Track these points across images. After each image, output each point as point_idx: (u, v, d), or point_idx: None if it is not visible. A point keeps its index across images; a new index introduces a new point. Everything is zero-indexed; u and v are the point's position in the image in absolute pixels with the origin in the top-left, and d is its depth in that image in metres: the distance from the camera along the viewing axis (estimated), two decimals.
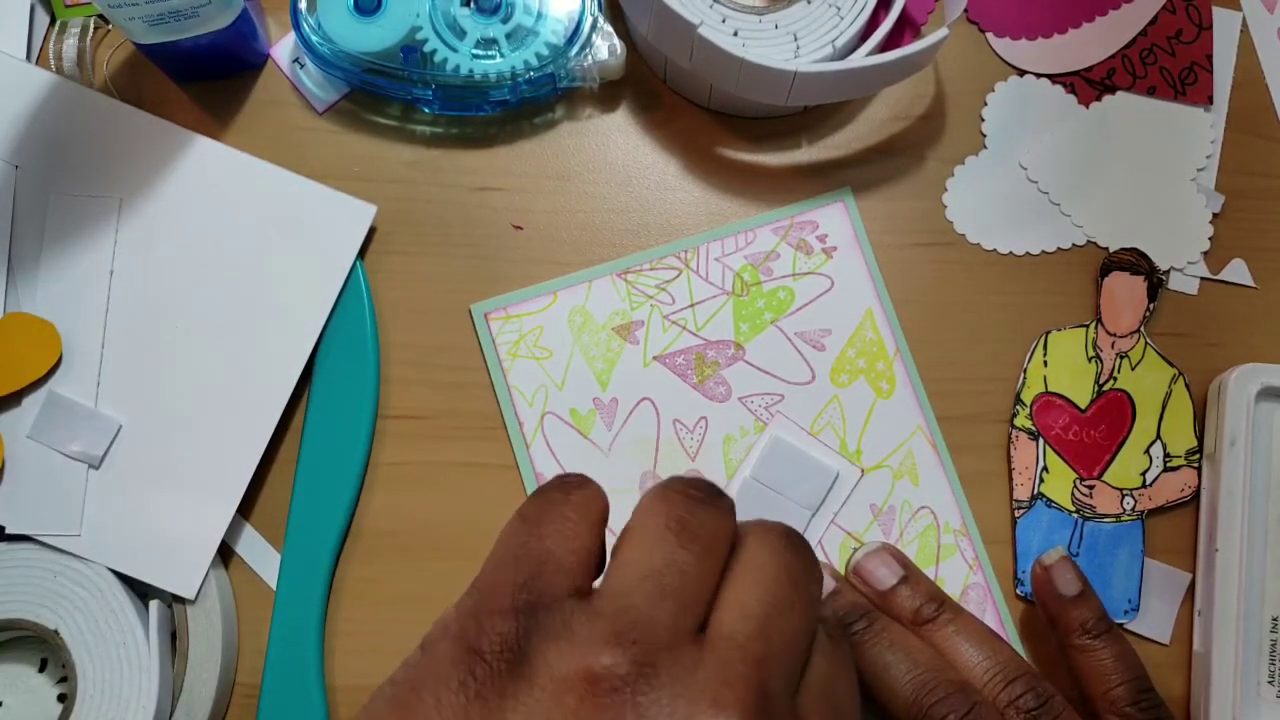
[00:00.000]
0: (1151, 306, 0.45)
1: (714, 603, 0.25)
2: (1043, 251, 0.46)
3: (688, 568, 0.24)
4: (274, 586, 0.41)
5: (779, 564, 0.25)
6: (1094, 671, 0.38)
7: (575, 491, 0.27)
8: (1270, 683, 0.41)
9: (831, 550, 0.42)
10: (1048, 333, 0.45)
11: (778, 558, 0.26)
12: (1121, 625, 0.43)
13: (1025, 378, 0.44)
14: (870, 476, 0.43)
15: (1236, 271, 0.46)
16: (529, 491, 0.42)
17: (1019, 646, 0.42)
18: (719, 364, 0.44)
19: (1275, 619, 0.42)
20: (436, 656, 0.23)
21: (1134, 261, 0.45)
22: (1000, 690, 0.36)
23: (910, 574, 0.40)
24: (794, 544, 0.27)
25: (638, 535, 0.25)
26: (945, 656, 0.37)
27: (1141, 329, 0.45)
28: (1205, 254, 0.46)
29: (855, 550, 0.41)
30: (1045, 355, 0.45)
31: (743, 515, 0.42)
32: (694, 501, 0.26)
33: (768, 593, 0.25)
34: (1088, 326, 0.45)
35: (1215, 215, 0.47)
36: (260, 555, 0.42)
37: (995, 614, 0.42)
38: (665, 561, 0.24)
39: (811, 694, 0.25)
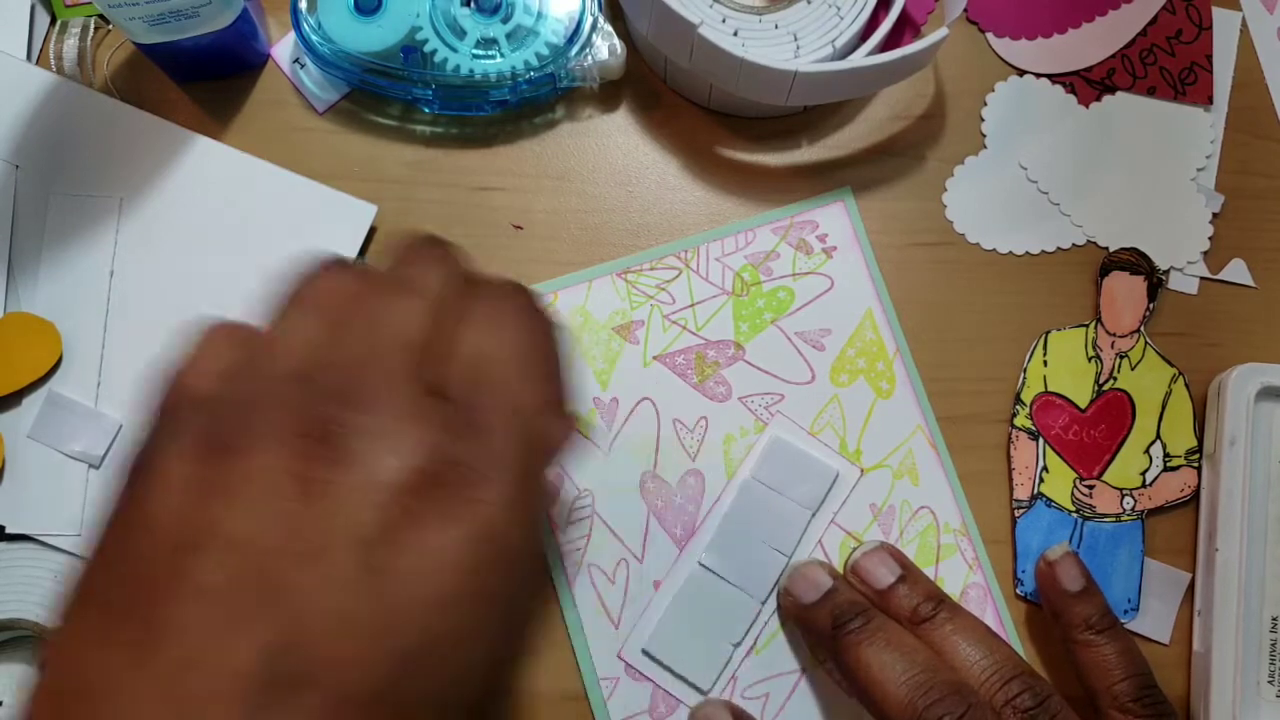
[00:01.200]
0: (1151, 306, 0.45)
1: None
2: (1042, 251, 0.46)
3: (295, 326, 0.25)
4: None
5: (381, 277, 0.26)
6: (1098, 667, 0.38)
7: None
8: (1270, 682, 0.41)
9: (831, 550, 0.42)
10: (1047, 333, 0.45)
11: (382, 274, 0.26)
12: (1121, 624, 0.43)
13: (1025, 377, 0.44)
14: (870, 476, 0.43)
15: (1236, 271, 0.46)
16: None
17: (1019, 646, 0.42)
18: (719, 364, 0.44)
19: (1275, 619, 0.42)
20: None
21: (1134, 261, 0.45)
22: (997, 690, 0.36)
23: (909, 573, 0.40)
24: (398, 250, 0.27)
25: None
26: (942, 656, 0.37)
27: (1141, 329, 0.45)
28: (1205, 254, 0.46)
29: (854, 549, 0.42)
30: (1045, 355, 0.45)
31: (742, 515, 0.42)
32: (305, 275, 0.27)
33: (370, 304, 0.25)
34: (1087, 326, 0.45)
35: (1215, 215, 0.47)
36: None
37: (995, 614, 0.43)
38: (271, 331, 0.25)
39: (452, 362, 0.24)
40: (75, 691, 0.20)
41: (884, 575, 0.40)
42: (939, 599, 0.39)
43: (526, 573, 0.23)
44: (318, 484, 0.21)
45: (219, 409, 0.22)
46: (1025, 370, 0.45)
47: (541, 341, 0.26)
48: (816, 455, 0.43)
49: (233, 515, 0.21)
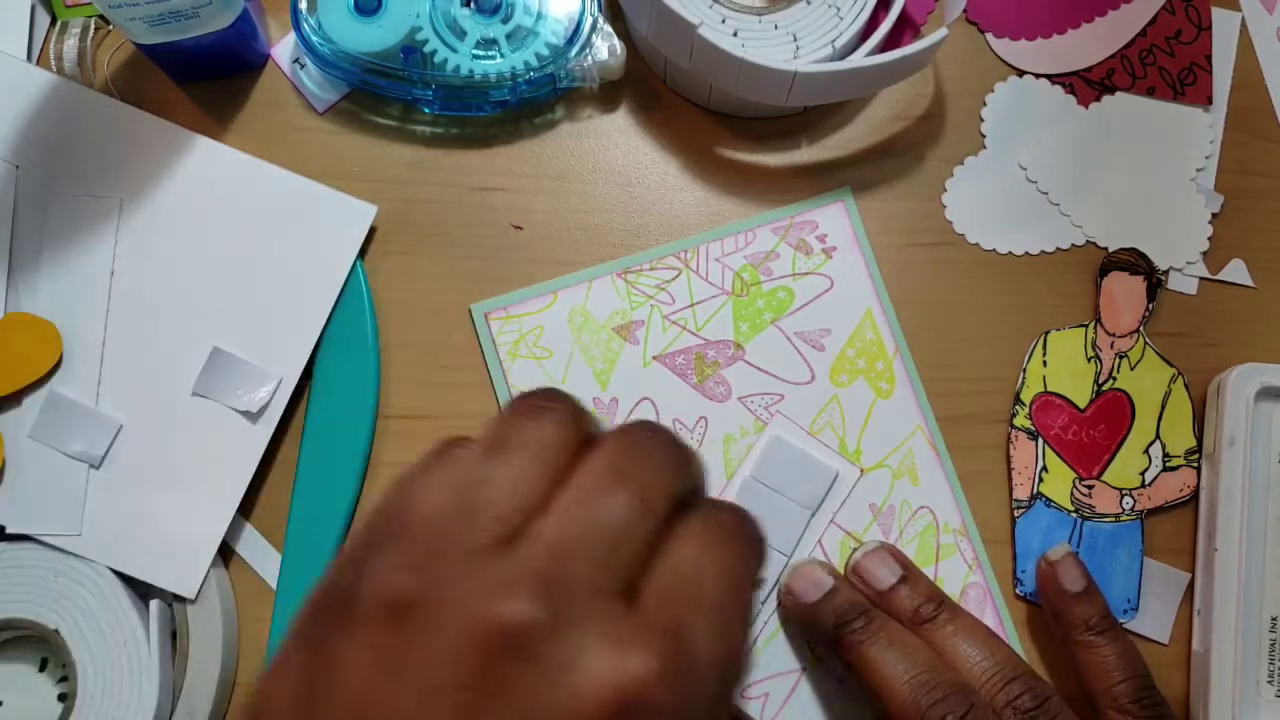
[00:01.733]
0: (1151, 306, 0.45)
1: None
2: (1042, 251, 0.46)
3: (497, 479, 0.23)
4: (274, 586, 0.41)
5: (603, 456, 0.24)
6: (1097, 668, 0.38)
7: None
8: (1269, 682, 0.41)
9: (831, 550, 0.43)
10: (1047, 333, 0.45)
11: (605, 453, 0.24)
12: (1121, 625, 0.43)
13: (1024, 377, 0.45)
14: (870, 476, 0.43)
15: (1236, 271, 0.46)
16: None
17: (1018, 646, 0.42)
18: (719, 364, 0.44)
19: (1275, 618, 0.42)
20: (301, 618, 0.23)
21: (1133, 261, 0.45)
22: (998, 690, 0.36)
23: (909, 574, 0.40)
24: (631, 433, 0.25)
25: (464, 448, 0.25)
26: (943, 656, 0.37)
27: (1141, 329, 0.45)
28: (1204, 254, 0.46)
29: (855, 550, 0.42)
30: (1044, 355, 0.45)
31: None
32: (518, 413, 0.25)
33: (586, 482, 0.23)
34: (1087, 326, 0.45)
35: (1214, 215, 0.47)
36: (260, 555, 0.42)
37: (995, 614, 0.43)
38: (474, 476, 0.23)
39: (654, 585, 0.23)
40: None
41: (885, 576, 0.40)
42: (940, 600, 0.39)
43: None
44: (504, 686, 0.20)
45: (423, 565, 0.22)
46: (1025, 370, 0.45)
47: (746, 579, 0.25)
48: (816, 455, 0.43)
49: (400, 703, 0.20)
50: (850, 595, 0.39)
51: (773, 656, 0.41)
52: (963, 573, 0.43)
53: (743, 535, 0.26)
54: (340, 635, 0.21)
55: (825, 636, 0.38)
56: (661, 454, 0.25)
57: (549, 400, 0.25)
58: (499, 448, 0.24)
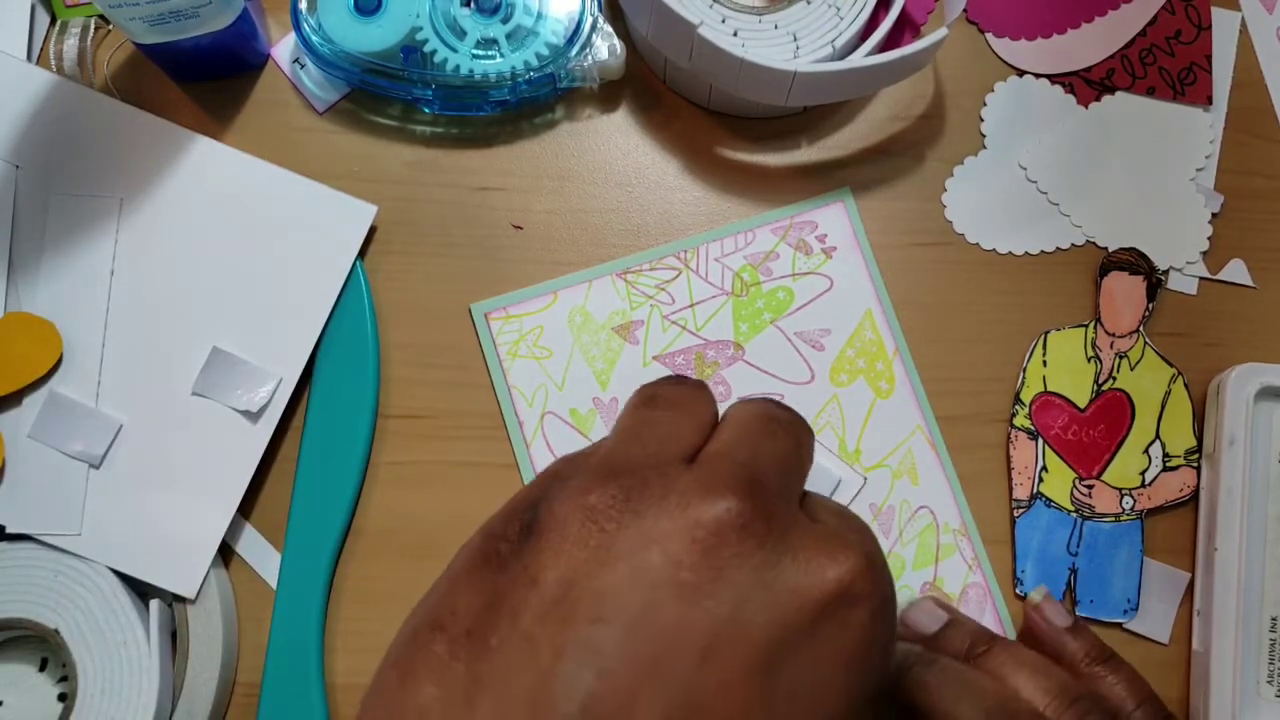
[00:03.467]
0: (1150, 306, 0.45)
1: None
2: (1042, 251, 0.46)
3: (660, 419, 0.26)
4: (274, 586, 0.41)
5: (755, 408, 0.27)
6: (1111, 699, 0.37)
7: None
8: (1269, 682, 0.41)
9: None
10: (1047, 332, 0.45)
11: (753, 405, 0.27)
12: (1121, 625, 0.43)
13: (1024, 377, 0.45)
14: (870, 476, 0.43)
15: (1236, 271, 0.46)
16: None
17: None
18: (719, 364, 0.44)
19: (1275, 619, 0.42)
20: (465, 554, 0.24)
21: (1133, 261, 0.45)
22: (1064, 711, 0.34)
23: (955, 618, 0.39)
24: (770, 401, 0.28)
25: (620, 415, 0.27)
26: (1005, 684, 0.36)
27: (1140, 329, 0.45)
28: (1204, 254, 0.46)
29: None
30: (1044, 355, 0.45)
31: None
32: (661, 381, 0.28)
33: (745, 424, 0.26)
34: (1087, 326, 0.45)
35: (1214, 215, 0.47)
36: (260, 555, 0.42)
37: (995, 614, 0.43)
38: (639, 419, 0.26)
39: (815, 510, 0.25)
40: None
41: (930, 623, 0.39)
42: (991, 637, 0.38)
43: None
44: (724, 570, 0.22)
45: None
46: (1024, 370, 0.45)
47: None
48: (820, 461, 0.43)
49: (612, 583, 0.21)
50: (974, 627, 0.38)
51: None
52: (962, 573, 0.43)
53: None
54: (533, 547, 0.22)
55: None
56: (798, 417, 0.27)
57: (682, 378, 0.28)
58: (651, 402, 0.26)
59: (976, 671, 0.36)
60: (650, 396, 0.27)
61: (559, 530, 0.22)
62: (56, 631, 0.39)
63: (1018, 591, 0.43)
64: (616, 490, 0.23)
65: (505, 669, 0.21)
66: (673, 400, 0.26)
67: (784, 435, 0.26)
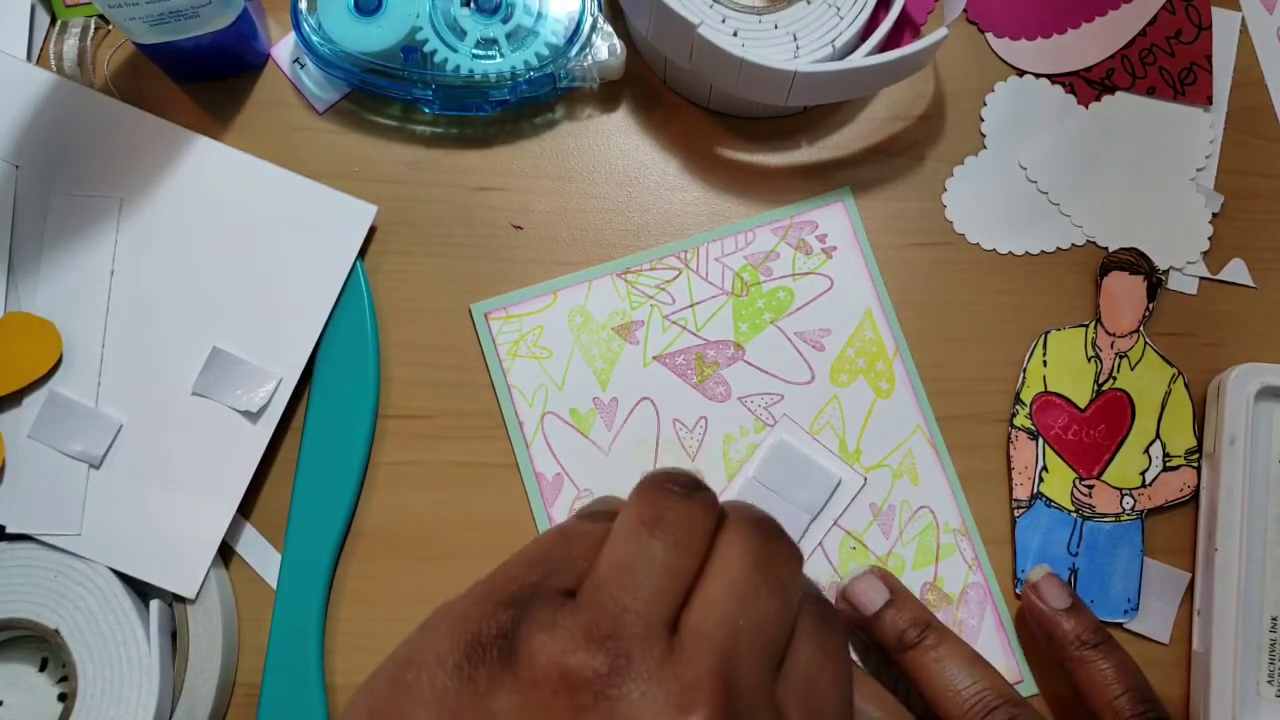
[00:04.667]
0: (1151, 306, 0.45)
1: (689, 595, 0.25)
2: (1042, 251, 0.46)
3: (658, 560, 0.24)
4: (274, 586, 0.41)
5: (744, 550, 0.25)
6: (1095, 683, 0.38)
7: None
8: (1270, 682, 0.41)
9: (832, 551, 0.42)
10: (1047, 332, 0.45)
11: (743, 544, 0.26)
12: (1121, 625, 0.43)
13: (1025, 377, 0.45)
14: (870, 476, 0.43)
15: (1236, 271, 0.46)
16: (529, 491, 0.42)
17: (1018, 646, 0.42)
18: (719, 364, 0.44)
19: (1275, 619, 0.42)
20: (436, 636, 0.24)
21: (1133, 261, 0.45)
22: (981, 718, 0.36)
23: (897, 597, 0.40)
24: (762, 529, 0.26)
25: (616, 531, 0.25)
26: (926, 683, 0.37)
27: (1141, 329, 0.45)
28: (1205, 254, 0.46)
29: (847, 576, 0.41)
30: (1045, 355, 0.45)
31: None
32: (668, 495, 0.26)
33: (732, 581, 0.25)
34: (1087, 326, 0.45)
35: (1215, 215, 0.47)
36: (260, 555, 0.42)
37: (994, 614, 0.43)
38: (637, 555, 0.24)
39: (790, 681, 0.24)
40: None
41: (872, 600, 0.40)
42: (925, 624, 0.39)
43: None
44: None
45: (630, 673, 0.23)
46: (1025, 370, 0.45)
47: (850, 678, 0.27)
48: (821, 461, 0.43)
49: None
50: (913, 610, 0.39)
51: None
52: (963, 573, 0.43)
53: (842, 628, 0.27)
54: (504, 683, 0.22)
55: (886, 647, 0.39)
56: (787, 548, 0.26)
57: (694, 486, 0.26)
58: (656, 525, 0.25)
59: (866, 690, 0.37)
60: (657, 519, 0.25)
61: (532, 685, 0.22)
62: (56, 631, 0.39)
63: (1018, 591, 0.43)
64: (600, 663, 0.22)
65: None
66: (679, 529, 0.25)
67: (768, 590, 0.25)
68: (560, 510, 0.42)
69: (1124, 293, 0.45)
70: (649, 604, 0.23)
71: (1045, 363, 0.45)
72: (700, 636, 0.23)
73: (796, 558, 0.27)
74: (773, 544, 0.26)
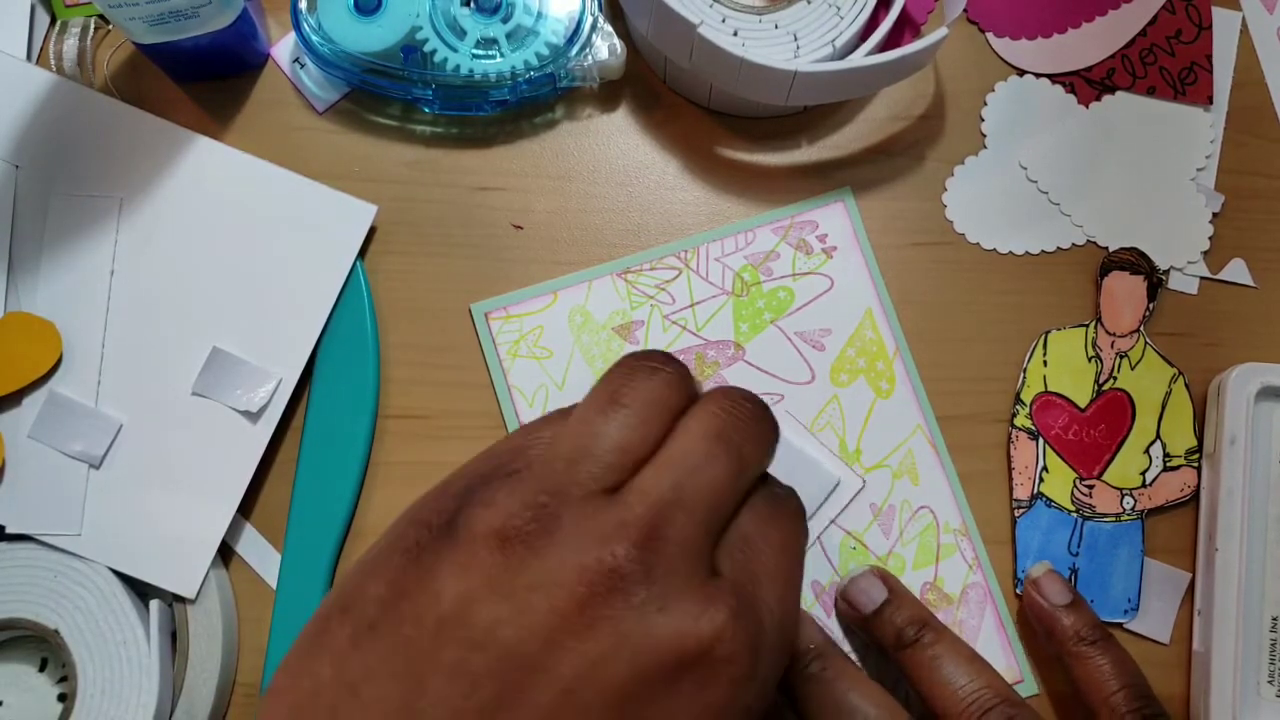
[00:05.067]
0: (1151, 306, 0.45)
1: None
2: (1042, 251, 0.46)
3: (611, 435, 0.25)
4: (274, 586, 0.41)
5: (708, 422, 0.26)
6: (1093, 679, 0.38)
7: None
8: (1270, 682, 0.41)
9: (831, 550, 0.42)
10: (1047, 332, 0.45)
11: (709, 417, 0.26)
12: (1121, 625, 0.43)
13: (1025, 377, 0.44)
14: (870, 476, 0.43)
15: (1236, 271, 0.46)
16: None
17: (1018, 645, 0.42)
18: (719, 364, 0.44)
19: (1275, 619, 0.42)
20: (396, 527, 0.26)
21: (1133, 261, 0.45)
22: (977, 718, 0.36)
23: (896, 596, 0.40)
24: (736, 404, 0.27)
25: (574, 414, 0.27)
26: (924, 682, 0.37)
27: (1141, 329, 0.45)
28: (1205, 254, 0.46)
29: (846, 577, 0.41)
30: (1045, 355, 0.45)
31: None
32: (632, 371, 0.27)
33: (686, 448, 0.26)
34: (1087, 326, 0.45)
35: (1215, 215, 0.47)
36: (260, 555, 0.42)
37: (995, 614, 0.42)
38: (590, 432, 0.26)
39: (728, 541, 0.25)
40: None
41: (871, 598, 0.40)
42: (924, 623, 0.39)
43: None
44: (597, 619, 0.22)
45: (525, 505, 0.24)
46: (1025, 370, 0.45)
47: (800, 555, 0.28)
48: (820, 460, 0.43)
49: (498, 615, 0.23)
50: (911, 609, 0.39)
51: None
52: (963, 573, 0.43)
53: (798, 515, 0.29)
54: (444, 553, 0.24)
55: (884, 646, 0.39)
56: (757, 425, 0.27)
57: (662, 362, 0.27)
58: (613, 402, 0.26)
59: (864, 689, 0.37)
60: (615, 396, 0.26)
61: (469, 548, 0.23)
62: (56, 631, 0.39)
63: (1018, 592, 0.43)
64: (532, 521, 0.23)
65: (390, 671, 0.22)
66: (637, 404, 0.26)
67: (725, 459, 0.26)
68: None
69: (1124, 293, 0.45)
70: (593, 476, 0.25)
71: (1045, 362, 0.45)
72: (639, 492, 0.24)
73: (765, 437, 0.27)
74: (741, 417, 0.27)
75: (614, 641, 0.22)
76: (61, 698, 0.41)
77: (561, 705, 0.22)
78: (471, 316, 0.44)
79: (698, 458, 0.25)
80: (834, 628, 0.42)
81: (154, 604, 0.39)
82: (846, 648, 0.41)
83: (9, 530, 0.40)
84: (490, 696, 0.22)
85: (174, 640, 0.40)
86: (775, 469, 0.42)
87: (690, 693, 0.23)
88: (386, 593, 0.24)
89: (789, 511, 0.28)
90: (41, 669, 0.41)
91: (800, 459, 0.43)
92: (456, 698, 0.22)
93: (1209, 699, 0.41)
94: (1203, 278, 0.46)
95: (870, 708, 0.36)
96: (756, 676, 0.24)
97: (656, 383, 0.27)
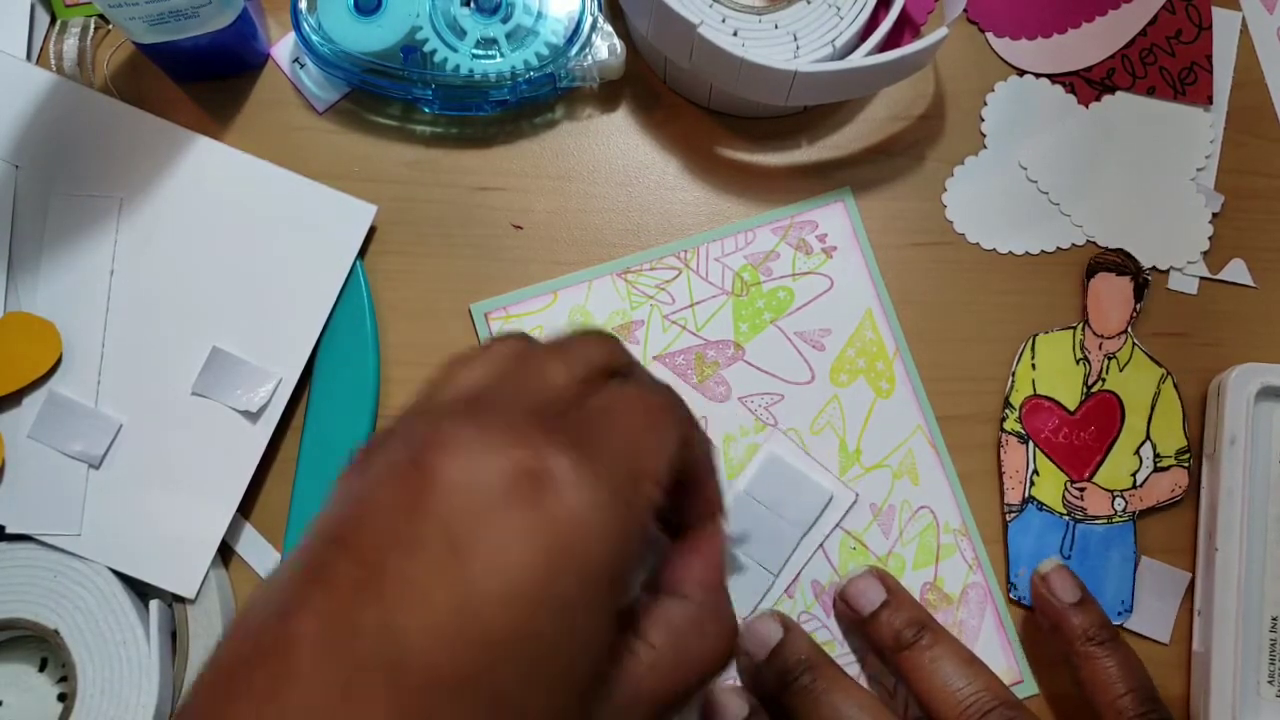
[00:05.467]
0: (1138, 307, 0.45)
1: None
2: (1042, 251, 0.46)
3: (515, 374, 0.28)
4: None
5: (550, 340, 0.29)
6: (1099, 681, 0.37)
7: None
8: (1270, 682, 0.41)
9: (832, 549, 0.42)
10: (1035, 335, 0.45)
11: (550, 340, 0.29)
12: (1119, 626, 0.43)
13: (1014, 381, 0.44)
14: (870, 476, 0.43)
15: (1236, 271, 0.46)
16: None
17: (1018, 646, 0.42)
18: (719, 364, 0.44)
19: (1275, 619, 0.42)
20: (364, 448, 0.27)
21: (1119, 262, 0.45)
22: None
23: (894, 597, 0.40)
24: (574, 335, 0.30)
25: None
26: (922, 683, 0.37)
27: (1129, 330, 0.45)
28: (1205, 254, 0.46)
29: (846, 576, 0.41)
30: (1033, 358, 0.45)
31: (736, 530, 0.42)
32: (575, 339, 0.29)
33: (523, 354, 0.28)
34: (1075, 328, 0.45)
35: (1215, 215, 0.47)
36: (260, 555, 0.42)
37: (995, 614, 0.43)
38: (506, 364, 0.28)
39: (578, 413, 0.26)
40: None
41: (870, 600, 0.39)
42: (921, 624, 0.39)
43: (607, 593, 0.24)
44: (427, 478, 0.23)
45: (401, 424, 0.26)
46: (1014, 374, 0.44)
47: (669, 431, 0.28)
48: (812, 476, 0.43)
49: (365, 490, 0.24)
50: (795, 649, 0.38)
51: None
52: (963, 572, 0.43)
53: (656, 389, 0.29)
54: (369, 463, 0.25)
55: (883, 649, 0.39)
56: (594, 338, 0.29)
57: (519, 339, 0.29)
58: (526, 359, 0.28)
59: (857, 698, 0.37)
60: (524, 353, 0.28)
61: (377, 450, 0.25)
62: (56, 631, 0.39)
63: (1011, 596, 0.43)
64: (404, 449, 0.24)
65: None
66: (494, 354, 0.28)
67: (553, 358, 0.28)
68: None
69: (1110, 294, 0.45)
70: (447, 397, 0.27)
71: (1034, 366, 0.45)
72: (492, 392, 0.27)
73: (605, 345, 0.29)
74: (575, 336, 0.29)
75: (444, 492, 0.23)
76: (61, 698, 0.41)
77: (416, 574, 0.22)
78: (471, 316, 0.44)
79: (528, 359, 0.28)
80: (834, 628, 0.42)
81: (154, 604, 0.39)
82: (845, 649, 0.41)
83: (9, 530, 0.40)
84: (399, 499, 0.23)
85: (174, 640, 0.40)
86: (769, 484, 0.42)
87: (517, 530, 0.22)
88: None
89: (644, 389, 0.29)
90: (41, 669, 0.41)
91: (793, 476, 0.42)
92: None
93: (1209, 699, 0.41)
94: (1202, 278, 0.46)
95: (862, 715, 0.36)
96: (595, 516, 0.23)
97: (509, 339, 0.29)
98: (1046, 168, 0.47)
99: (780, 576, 0.42)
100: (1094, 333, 0.45)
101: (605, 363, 0.28)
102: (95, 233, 0.42)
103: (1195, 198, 0.47)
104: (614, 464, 0.24)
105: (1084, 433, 0.44)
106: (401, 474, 0.23)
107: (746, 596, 0.41)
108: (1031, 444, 0.44)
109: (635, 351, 0.44)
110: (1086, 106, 0.47)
